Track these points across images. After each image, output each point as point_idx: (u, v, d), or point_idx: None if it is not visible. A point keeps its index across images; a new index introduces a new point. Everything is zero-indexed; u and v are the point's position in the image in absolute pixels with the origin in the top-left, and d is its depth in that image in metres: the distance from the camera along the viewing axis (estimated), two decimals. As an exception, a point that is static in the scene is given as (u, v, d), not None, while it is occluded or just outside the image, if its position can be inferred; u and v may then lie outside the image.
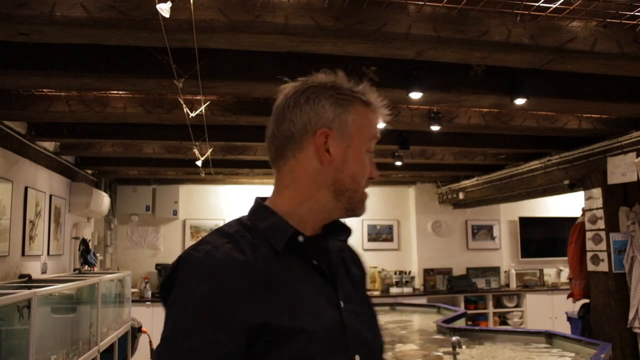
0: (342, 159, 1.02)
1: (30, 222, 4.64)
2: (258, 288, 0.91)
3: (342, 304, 0.99)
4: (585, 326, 4.99)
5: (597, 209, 4.75)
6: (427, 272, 8.09)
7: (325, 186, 1.02)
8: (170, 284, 0.93)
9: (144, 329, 5.90)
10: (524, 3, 2.47)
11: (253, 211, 1.04)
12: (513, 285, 8.10)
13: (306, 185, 1.03)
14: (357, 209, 1.06)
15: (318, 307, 0.96)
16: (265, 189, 7.58)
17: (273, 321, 0.89)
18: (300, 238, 0.99)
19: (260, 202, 1.05)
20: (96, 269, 6.20)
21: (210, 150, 4.62)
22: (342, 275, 1.05)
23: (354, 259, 1.18)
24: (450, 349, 3.22)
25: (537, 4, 2.47)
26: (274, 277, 0.94)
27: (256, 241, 0.96)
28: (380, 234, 8.29)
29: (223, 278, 0.89)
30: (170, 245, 7.69)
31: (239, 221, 1.01)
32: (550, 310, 7.70)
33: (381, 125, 1.11)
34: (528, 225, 8.44)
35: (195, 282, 0.90)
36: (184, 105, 3.28)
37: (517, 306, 7.99)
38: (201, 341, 0.86)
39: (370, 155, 1.07)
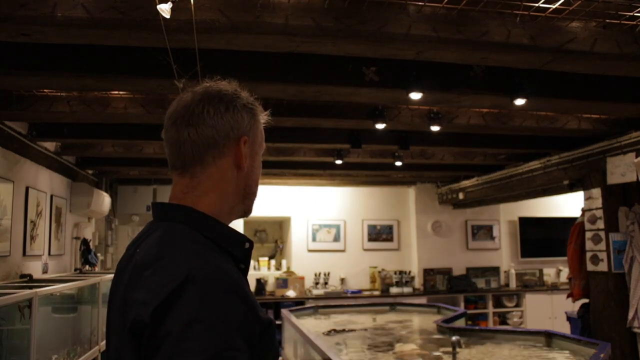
0: (251, 164, 1.08)
1: (31, 222, 4.65)
2: (249, 288, 0.97)
3: None
4: (584, 326, 5.00)
5: (596, 209, 4.75)
6: (427, 272, 8.09)
7: (238, 191, 1.07)
8: (183, 301, 0.85)
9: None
10: (524, 3, 2.48)
11: (191, 220, 1.00)
12: (513, 285, 8.11)
13: (227, 191, 1.05)
14: (249, 210, 1.12)
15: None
16: (265, 189, 7.59)
17: (264, 317, 0.96)
18: (247, 244, 1.03)
19: (191, 210, 1.02)
20: (97, 269, 6.20)
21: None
22: None
23: None
24: (450, 349, 3.22)
25: (536, 5, 2.48)
26: (245, 281, 1.01)
27: (221, 251, 0.98)
28: (380, 234, 8.30)
29: (243, 291, 0.92)
30: (170, 245, 7.68)
31: (188, 231, 0.99)
32: (550, 310, 7.71)
33: None
34: (528, 225, 8.45)
35: (224, 297, 0.87)
36: (185, 106, 3.28)
37: (516, 306, 8.00)
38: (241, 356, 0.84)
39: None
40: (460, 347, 3.29)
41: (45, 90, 3.71)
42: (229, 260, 0.98)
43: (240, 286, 0.91)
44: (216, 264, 0.92)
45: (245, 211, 1.11)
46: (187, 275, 0.86)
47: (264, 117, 1.13)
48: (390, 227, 8.34)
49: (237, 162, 1.05)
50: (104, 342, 4.86)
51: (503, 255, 8.45)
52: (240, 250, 1.02)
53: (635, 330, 4.39)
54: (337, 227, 8.14)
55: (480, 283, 8.10)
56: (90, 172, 6.45)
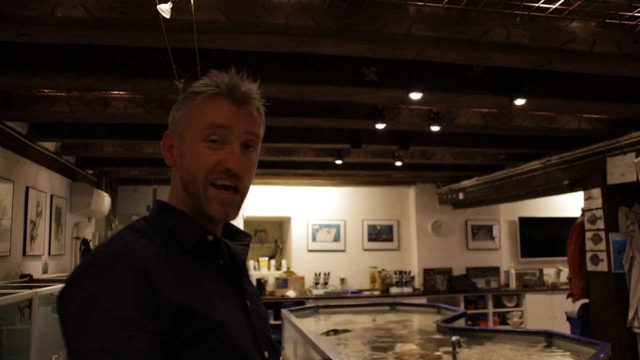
0: (179, 155, 1.02)
1: (32, 222, 4.65)
2: (181, 278, 0.90)
3: (248, 302, 1.02)
4: (584, 326, 5.00)
5: (596, 209, 4.75)
6: (427, 272, 8.09)
7: (180, 187, 1.02)
8: (79, 283, 0.85)
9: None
10: (524, 4, 2.48)
11: (157, 211, 1.03)
12: (513, 285, 8.11)
13: (173, 191, 1.05)
14: (203, 208, 0.98)
15: (229, 305, 0.97)
16: (265, 189, 7.59)
17: (200, 308, 0.88)
18: (210, 237, 1.00)
19: (163, 202, 1.05)
20: (97, 269, 6.19)
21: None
22: (243, 276, 1.07)
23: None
24: (450, 349, 3.22)
25: (536, 5, 2.48)
26: (192, 272, 0.95)
27: (164, 240, 0.95)
28: (380, 234, 8.30)
29: (146, 267, 0.86)
30: (170, 245, 7.69)
31: (145, 219, 1.00)
32: (550, 310, 7.71)
33: (227, 109, 0.99)
34: (528, 225, 8.45)
35: (116, 274, 0.84)
36: (185, 106, 3.28)
37: (516, 306, 8.00)
38: (129, 327, 0.80)
39: (218, 145, 0.98)
40: (460, 347, 3.29)
41: (45, 90, 3.71)
42: (170, 247, 0.94)
43: (147, 265, 0.86)
44: (125, 244, 0.90)
45: (197, 207, 0.99)
46: (91, 258, 0.89)
47: (202, 98, 1.00)
48: (390, 227, 8.34)
49: (166, 157, 1.06)
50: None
51: (503, 255, 8.45)
52: (192, 241, 0.96)
53: (635, 330, 4.39)
54: (337, 227, 8.14)
55: (480, 283, 8.10)
56: (90, 172, 6.45)
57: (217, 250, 1.01)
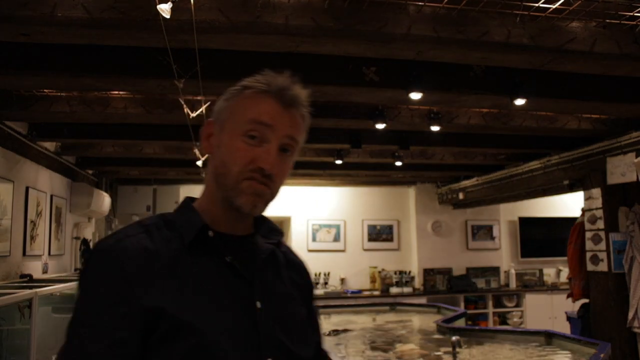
0: (217, 144, 1.01)
1: (32, 222, 4.65)
2: (160, 276, 0.91)
3: (258, 304, 0.97)
4: (584, 326, 5.00)
5: (596, 209, 4.75)
6: (427, 272, 8.09)
7: (214, 176, 1.01)
8: (83, 269, 0.94)
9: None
10: (524, 4, 2.48)
11: (178, 207, 1.05)
12: (513, 285, 8.11)
13: (207, 179, 1.04)
14: (232, 198, 0.97)
15: (222, 305, 0.94)
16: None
17: (168, 308, 0.88)
18: (210, 233, 0.98)
19: (187, 198, 1.06)
20: (97, 269, 6.20)
21: (211, 150, 4.62)
22: (265, 276, 1.02)
23: (295, 265, 1.16)
24: (450, 349, 3.22)
25: (536, 5, 2.48)
26: (181, 269, 0.93)
27: (171, 234, 0.97)
28: (380, 234, 8.30)
29: (125, 263, 0.90)
30: (170, 245, 7.69)
31: (162, 215, 1.02)
32: (550, 310, 7.71)
33: (273, 109, 0.98)
34: (528, 225, 8.44)
35: (100, 266, 0.91)
36: (185, 106, 3.29)
37: (516, 306, 8.00)
38: (97, 324, 0.86)
39: (256, 142, 0.97)
40: (460, 347, 3.29)
41: (45, 90, 3.71)
42: (172, 242, 0.95)
43: (128, 264, 0.89)
44: (119, 238, 0.93)
45: (225, 199, 0.98)
46: (89, 253, 0.96)
47: (250, 93, 0.99)
48: (390, 227, 8.34)
49: (203, 145, 1.04)
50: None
51: (503, 255, 8.45)
52: (196, 237, 0.96)
53: (635, 330, 4.39)
54: (337, 227, 8.14)
55: (480, 283, 8.10)
56: (90, 172, 6.46)
57: (217, 247, 0.98)
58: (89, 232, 6.57)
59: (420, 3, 2.48)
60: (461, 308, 6.86)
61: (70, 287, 4.22)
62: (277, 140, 0.97)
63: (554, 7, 2.49)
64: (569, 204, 8.04)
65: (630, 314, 4.38)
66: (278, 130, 0.97)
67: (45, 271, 5.03)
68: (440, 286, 8.00)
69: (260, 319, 0.96)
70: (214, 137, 1.02)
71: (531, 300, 7.91)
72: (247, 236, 1.04)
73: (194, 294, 0.92)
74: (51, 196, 5.20)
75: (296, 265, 1.17)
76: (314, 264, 7.95)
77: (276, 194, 1.01)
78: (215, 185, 1.00)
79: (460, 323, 4.65)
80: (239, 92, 1.01)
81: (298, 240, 8.02)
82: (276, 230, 1.10)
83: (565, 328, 5.57)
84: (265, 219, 1.09)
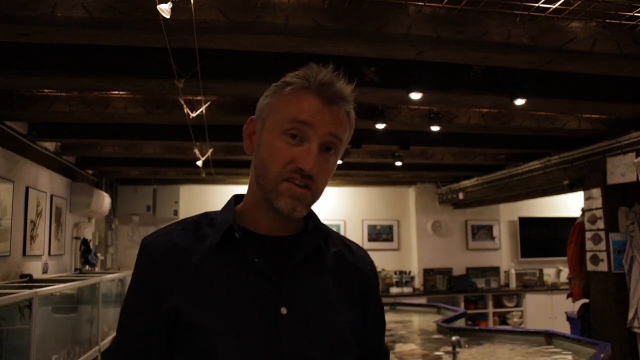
0: (258, 143, 0.99)
1: (31, 222, 4.65)
2: (183, 276, 0.93)
3: (284, 310, 0.92)
4: (584, 326, 5.00)
5: (596, 209, 4.75)
6: (427, 272, 8.09)
7: (255, 176, 0.98)
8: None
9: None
10: (524, 4, 2.48)
11: (225, 205, 1.05)
12: (513, 285, 8.11)
13: (250, 178, 1.02)
14: (272, 199, 0.94)
15: (238, 308, 0.91)
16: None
17: (184, 308, 0.91)
18: (237, 234, 0.95)
19: (234, 196, 1.06)
20: (97, 269, 6.20)
21: (211, 150, 4.62)
22: (300, 280, 0.96)
23: (350, 267, 1.06)
24: (450, 349, 3.23)
25: (536, 5, 2.48)
26: (206, 270, 0.94)
27: (210, 232, 0.97)
28: (380, 234, 8.30)
29: (156, 260, 0.95)
30: (170, 245, 7.68)
31: (207, 213, 1.04)
32: (550, 310, 7.71)
33: (315, 105, 0.94)
34: (528, 225, 8.45)
35: (139, 260, 0.98)
36: (185, 106, 3.29)
37: (516, 306, 8.00)
38: (130, 314, 0.97)
39: (296, 141, 0.93)
40: (460, 347, 3.29)
41: (45, 90, 3.71)
42: (205, 240, 0.96)
43: (158, 261, 0.95)
44: (157, 235, 0.99)
45: (265, 199, 0.95)
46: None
47: (289, 90, 0.96)
48: (390, 227, 8.34)
49: (246, 144, 1.02)
50: (104, 342, 4.87)
51: (503, 255, 8.45)
52: (223, 237, 0.95)
53: (635, 330, 4.39)
54: (337, 227, 8.14)
55: (480, 283, 8.10)
56: (90, 172, 6.45)
57: (242, 248, 0.95)
58: (89, 232, 6.57)
59: (420, 3, 2.48)
60: (461, 308, 6.86)
61: (71, 287, 4.22)
62: (318, 139, 0.93)
63: (554, 7, 2.49)
64: (569, 204, 8.04)
65: (630, 314, 4.38)
66: (319, 128, 0.93)
67: (45, 271, 5.03)
68: (440, 286, 8.01)
69: (283, 325, 0.91)
70: (256, 136, 1.00)
71: (531, 300, 7.91)
72: (289, 237, 1.00)
73: (213, 296, 0.92)
74: (51, 196, 5.20)
75: (351, 267, 1.06)
76: (314, 264, 7.94)
77: (319, 195, 0.97)
78: (256, 185, 0.98)
79: (460, 323, 4.66)
80: (281, 89, 0.97)
81: (298, 240, 8.01)
82: (319, 229, 1.03)
83: (565, 328, 5.57)
84: (312, 217, 1.03)
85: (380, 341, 1.12)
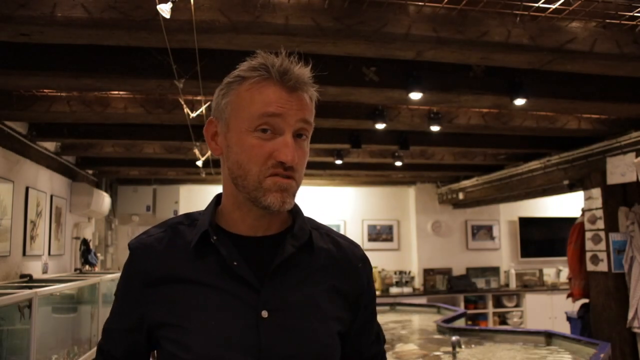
0: (225, 145, 0.95)
1: (31, 222, 4.65)
2: (160, 280, 0.95)
3: (264, 313, 0.91)
4: (584, 326, 5.00)
5: (596, 209, 4.75)
6: (427, 272, 8.09)
7: (229, 178, 0.96)
8: None
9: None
10: (524, 4, 2.48)
11: (207, 206, 1.03)
12: (513, 285, 8.11)
13: (224, 181, 1.00)
14: (259, 198, 0.91)
15: (214, 313, 0.91)
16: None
17: (158, 313, 0.94)
18: (213, 239, 0.94)
19: (215, 197, 1.04)
20: (97, 269, 6.20)
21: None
22: (282, 282, 0.94)
23: (341, 267, 1.05)
24: (450, 349, 3.23)
25: (536, 5, 2.48)
26: (183, 273, 0.94)
27: (189, 235, 0.97)
28: (380, 234, 8.30)
29: (136, 264, 0.99)
30: (170, 245, 7.69)
31: (190, 214, 1.04)
32: (550, 310, 7.71)
33: (279, 94, 0.92)
34: (528, 225, 8.45)
35: (125, 263, 1.02)
36: (185, 106, 3.29)
37: (516, 306, 8.00)
38: (114, 312, 1.04)
39: (269, 135, 0.91)
40: (460, 347, 3.29)
41: (45, 90, 3.71)
42: (183, 243, 0.97)
43: (140, 261, 0.98)
44: (141, 238, 1.01)
45: (250, 199, 0.93)
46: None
47: (250, 84, 0.92)
48: (390, 227, 8.34)
49: (210, 147, 1.00)
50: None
51: (503, 255, 8.45)
52: (199, 241, 0.94)
53: (635, 330, 4.39)
54: (337, 227, 8.13)
55: (480, 283, 8.10)
56: (90, 172, 6.46)
57: (217, 251, 0.94)
58: (89, 232, 6.57)
59: (420, 3, 2.48)
60: (461, 308, 6.86)
61: (70, 287, 4.22)
62: (291, 128, 0.91)
63: (554, 7, 2.49)
64: (569, 204, 8.04)
65: (630, 314, 4.38)
66: (289, 117, 0.91)
67: (45, 271, 5.03)
68: (440, 286, 8.00)
69: (264, 328, 0.90)
70: (220, 137, 0.97)
71: (531, 300, 7.91)
72: (272, 236, 0.98)
73: (188, 300, 0.92)
74: (51, 196, 5.20)
75: (343, 267, 1.05)
76: (314, 264, 7.94)
77: (300, 183, 0.96)
78: (233, 187, 0.95)
79: (460, 323, 4.66)
80: (238, 84, 0.94)
81: (298, 240, 8.01)
82: (304, 228, 1.00)
83: (565, 328, 5.57)
84: (298, 215, 1.01)
85: (370, 344, 1.12)
